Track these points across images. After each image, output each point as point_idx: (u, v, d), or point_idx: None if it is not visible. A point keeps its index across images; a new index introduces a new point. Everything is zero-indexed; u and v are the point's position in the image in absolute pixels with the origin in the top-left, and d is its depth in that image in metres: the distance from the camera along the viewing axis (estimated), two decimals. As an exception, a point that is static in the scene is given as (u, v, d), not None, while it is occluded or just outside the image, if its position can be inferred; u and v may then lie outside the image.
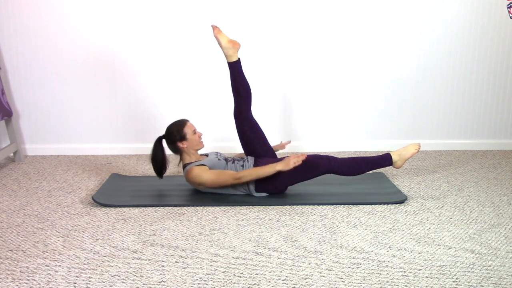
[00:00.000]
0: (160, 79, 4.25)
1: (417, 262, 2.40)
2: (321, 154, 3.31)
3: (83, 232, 2.74)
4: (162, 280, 2.23)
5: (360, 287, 2.19)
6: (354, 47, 4.28)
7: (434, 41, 4.29)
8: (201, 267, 2.35)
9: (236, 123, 3.35)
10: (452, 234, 2.72)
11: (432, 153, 4.36)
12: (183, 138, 3.23)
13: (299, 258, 2.43)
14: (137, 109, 4.29)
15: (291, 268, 2.34)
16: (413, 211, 3.04)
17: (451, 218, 2.93)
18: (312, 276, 2.27)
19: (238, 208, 3.07)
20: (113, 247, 2.55)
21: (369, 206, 3.10)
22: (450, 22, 4.26)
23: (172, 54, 4.21)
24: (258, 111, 4.15)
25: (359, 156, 3.32)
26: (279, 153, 4.08)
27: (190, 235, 2.69)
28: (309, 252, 2.50)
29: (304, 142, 4.40)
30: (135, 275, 2.28)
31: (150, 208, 3.06)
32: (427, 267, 2.35)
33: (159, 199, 3.23)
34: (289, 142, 3.68)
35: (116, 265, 2.37)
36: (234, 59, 3.29)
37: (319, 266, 2.36)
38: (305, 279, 2.24)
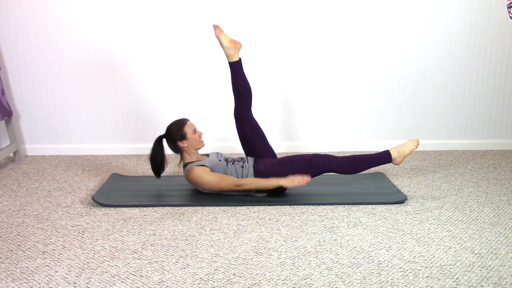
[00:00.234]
0: (160, 79, 4.25)
1: (417, 262, 2.40)
2: (321, 153, 3.31)
3: (83, 232, 2.73)
4: (162, 280, 2.23)
5: (360, 287, 2.19)
6: (354, 47, 4.28)
7: (434, 41, 4.29)
8: (201, 267, 2.35)
9: (236, 123, 3.35)
10: (452, 234, 2.72)
11: (432, 153, 4.36)
12: (183, 137, 3.23)
13: (299, 258, 2.43)
14: (137, 109, 4.29)
15: (291, 268, 2.34)
16: (413, 211, 3.04)
17: (451, 218, 2.93)
18: (312, 276, 2.27)
19: (238, 208, 3.07)
20: (113, 247, 2.55)
21: (369, 206, 3.10)
22: (450, 22, 4.26)
23: (172, 54, 4.21)
24: (259, 111, 4.15)
25: (359, 154, 3.32)
26: (280, 153, 4.08)
27: (190, 235, 2.69)
28: (309, 252, 2.50)
29: (304, 142, 4.40)
30: (135, 275, 2.28)
31: (150, 208, 3.06)
32: (427, 267, 2.35)
33: (159, 199, 3.23)
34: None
35: (116, 265, 2.37)
36: (235, 59, 3.29)
37: (319, 266, 2.36)
38: (305, 279, 2.24)
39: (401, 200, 3.16)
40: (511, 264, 2.39)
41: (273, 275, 2.28)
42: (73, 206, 3.12)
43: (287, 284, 2.20)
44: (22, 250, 2.52)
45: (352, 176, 3.64)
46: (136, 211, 3.03)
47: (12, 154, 4.15)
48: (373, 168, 3.83)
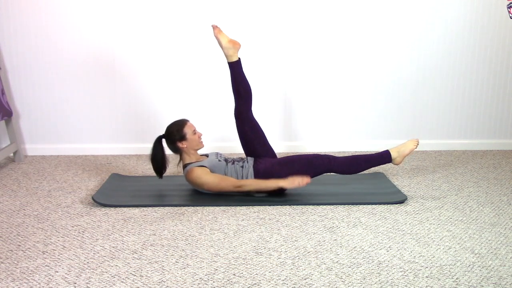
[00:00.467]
0: (160, 79, 4.25)
1: (417, 262, 2.40)
2: (321, 153, 3.31)
3: (83, 232, 2.73)
4: (162, 280, 2.23)
5: (360, 287, 2.19)
6: (354, 47, 4.28)
7: (434, 41, 4.29)
8: (201, 267, 2.35)
9: (236, 123, 3.35)
10: (452, 234, 2.72)
11: (432, 153, 4.36)
12: (183, 138, 3.23)
13: (299, 258, 2.43)
14: (137, 109, 4.29)
15: (291, 268, 2.34)
16: (413, 211, 3.04)
17: (451, 218, 2.93)
18: (312, 276, 2.27)
19: (238, 208, 3.07)
20: (113, 247, 2.55)
21: (369, 206, 3.10)
22: (450, 22, 4.26)
23: (172, 54, 4.21)
24: (259, 111, 4.14)
25: (359, 154, 3.32)
26: (280, 153, 4.08)
27: (190, 235, 2.69)
28: (309, 252, 2.50)
29: (305, 142, 4.40)
30: (135, 275, 2.28)
31: (150, 208, 3.06)
32: (427, 267, 2.35)
33: (159, 199, 3.23)
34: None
35: (116, 265, 2.37)
36: (235, 59, 3.29)
37: (319, 266, 2.36)
38: (305, 279, 2.24)
39: (401, 200, 3.16)
40: (511, 264, 2.39)
41: (273, 275, 2.28)
42: (73, 206, 3.11)
43: (287, 284, 2.20)
44: (22, 250, 2.52)
45: (352, 176, 3.64)
46: (136, 211, 3.03)
47: (12, 154, 4.15)
48: (373, 168, 3.83)
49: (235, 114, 3.35)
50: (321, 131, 4.42)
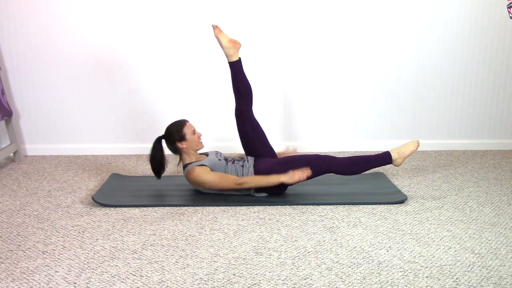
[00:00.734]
0: (160, 79, 4.25)
1: (417, 262, 2.40)
2: (321, 154, 3.31)
3: (83, 232, 2.74)
4: (162, 280, 2.23)
5: (360, 287, 2.19)
6: (354, 47, 4.28)
7: (434, 41, 4.29)
8: (201, 267, 2.35)
9: (237, 122, 3.35)
10: (452, 234, 2.72)
11: (432, 153, 4.36)
12: (182, 138, 3.23)
13: (299, 258, 2.43)
14: (137, 109, 4.29)
15: (291, 268, 2.34)
16: (413, 211, 3.04)
17: (451, 218, 2.93)
18: (312, 276, 2.27)
19: (238, 208, 3.07)
20: (113, 247, 2.55)
21: (369, 206, 3.10)
22: (450, 22, 4.26)
23: (172, 54, 4.21)
24: (259, 111, 4.14)
25: (359, 155, 3.32)
26: (280, 153, 4.08)
27: (190, 235, 2.69)
28: (309, 252, 2.50)
29: (305, 142, 4.40)
30: (135, 275, 2.28)
31: (150, 208, 3.06)
32: (427, 267, 2.35)
33: (159, 199, 3.23)
34: (295, 151, 3.66)
35: (116, 265, 2.37)
36: (235, 58, 3.29)
37: (319, 266, 2.36)
38: (305, 279, 2.24)
39: (401, 200, 3.16)
40: (511, 264, 2.39)
41: (273, 275, 2.28)
42: (73, 206, 3.12)
43: (287, 284, 2.20)
44: (22, 250, 2.52)
45: (352, 176, 3.63)
46: (136, 211, 3.03)
47: (12, 154, 4.15)
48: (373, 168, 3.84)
49: (235, 113, 3.35)
50: (321, 131, 4.42)
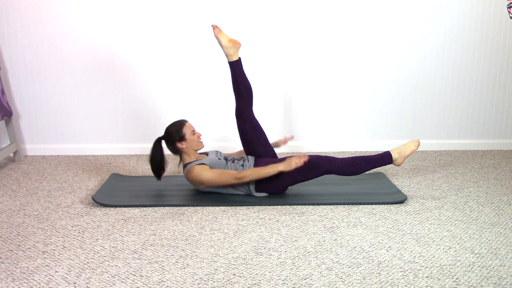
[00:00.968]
0: (160, 79, 4.25)
1: (417, 262, 2.40)
2: (322, 154, 3.30)
3: (83, 232, 2.74)
4: (162, 280, 2.23)
5: (360, 287, 2.19)
6: (355, 47, 4.28)
7: (434, 41, 4.28)
8: (201, 267, 2.35)
9: (237, 122, 3.35)
10: (452, 234, 2.72)
11: (432, 153, 4.36)
12: (182, 138, 3.23)
13: (299, 258, 2.43)
14: (137, 109, 4.29)
15: (291, 268, 2.34)
16: (413, 211, 3.04)
17: (451, 218, 2.93)
18: (312, 276, 2.27)
19: (238, 208, 3.07)
20: (113, 247, 2.55)
21: (369, 206, 3.10)
22: (450, 22, 4.26)
23: (172, 54, 4.21)
24: (259, 111, 4.15)
25: (359, 156, 3.32)
26: (280, 153, 4.08)
27: (190, 235, 2.69)
28: (309, 252, 2.50)
29: (305, 142, 4.40)
30: (135, 275, 2.28)
31: (150, 208, 3.06)
32: (427, 267, 2.35)
33: (159, 199, 3.23)
34: (293, 137, 3.65)
35: (116, 265, 2.37)
36: (235, 58, 3.29)
37: (319, 266, 2.36)
38: (305, 279, 2.24)
39: (401, 200, 3.16)
40: (511, 264, 2.39)
41: (273, 275, 2.28)
42: (73, 206, 3.12)
43: (287, 284, 2.20)
44: (22, 250, 2.52)
45: (352, 176, 3.64)
46: (136, 211, 3.03)
47: (12, 154, 4.15)
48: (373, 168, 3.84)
49: (236, 113, 3.35)
50: (321, 131, 4.42)
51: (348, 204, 3.13)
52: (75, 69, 4.20)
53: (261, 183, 3.19)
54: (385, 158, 3.32)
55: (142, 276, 2.27)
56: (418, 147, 3.37)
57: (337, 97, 4.36)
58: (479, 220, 2.90)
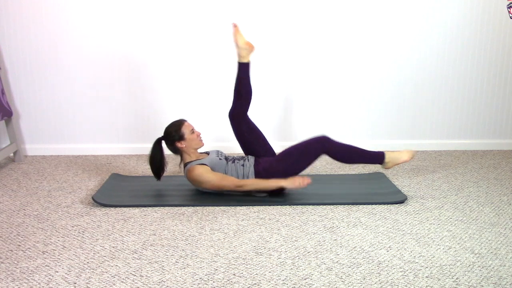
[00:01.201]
0: (160, 79, 4.25)
1: (417, 262, 2.40)
2: (315, 137, 3.26)
3: (83, 232, 2.74)
4: (162, 280, 2.23)
5: (360, 287, 2.19)
6: (354, 47, 4.28)
7: (434, 41, 4.28)
8: (201, 267, 2.35)
9: (232, 124, 3.36)
10: (452, 234, 2.72)
11: (432, 153, 4.36)
12: (181, 138, 3.23)
13: (299, 258, 2.43)
14: (137, 109, 4.29)
15: (291, 268, 2.34)
16: (413, 211, 3.04)
17: (451, 218, 2.93)
18: (312, 276, 2.27)
19: (238, 208, 3.07)
20: (113, 247, 2.55)
21: (369, 206, 3.10)
22: (450, 22, 4.26)
23: (172, 54, 4.21)
24: (258, 111, 4.16)
25: (356, 146, 3.31)
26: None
27: (190, 235, 2.69)
28: (309, 252, 2.50)
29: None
30: (135, 275, 2.28)
31: (150, 208, 3.07)
32: (427, 267, 2.35)
33: (159, 199, 3.23)
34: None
35: (116, 265, 2.37)
36: (246, 60, 3.32)
37: (319, 266, 2.36)
38: (305, 279, 2.24)
39: (401, 200, 3.16)
40: (511, 264, 2.39)
41: (273, 275, 2.28)
42: (73, 206, 3.12)
43: (287, 284, 2.20)
44: (22, 250, 2.52)
45: (352, 176, 3.65)
46: (136, 211, 3.03)
47: (12, 154, 4.15)
48: (373, 168, 3.84)
49: (229, 115, 3.36)
50: (321, 131, 4.41)
51: (348, 204, 3.13)
52: (75, 69, 4.20)
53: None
54: (378, 158, 3.32)
55: (142, 276, 2.27)
56: (411, 158, 3.38)
57: (337, 97, 4.35)
58: (479, 220, 2.90)
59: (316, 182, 3.44)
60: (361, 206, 3.11)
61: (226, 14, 4.14)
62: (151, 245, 2.58)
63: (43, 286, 2.19)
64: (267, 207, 3.08)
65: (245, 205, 3.10)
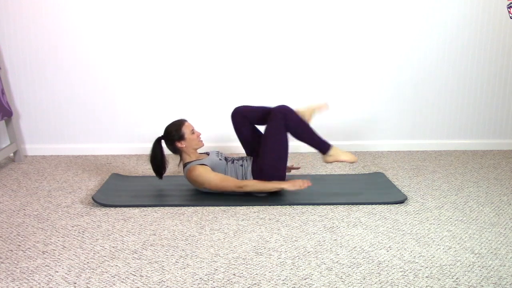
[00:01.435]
0: (160, 79, 4.25)
1: (417, 262, 2.40)
2: (276, 109, 3.21)
3: (83, 232, 2.74)
4: (162, 280, 2.23)
5: (360, 287, 2.19)
6: (354, 47, 4.28)
7: (434, 41, 4.28)
8: (201, 267, 2.35)
9: (233, 122, 3.35)
10: (452, 234, 2.72)
11: (432, 153, 4.36)
12: (181, 137, 3.23)
13: (299, 258, 2.43)
14: (137, 109, 4.29)
15: (291, 268, 2.34)
16: (413, 211, 3.04)
17: (451, 218, 2.93)
18: (312, 276, 2.27)
19: (238, 208, 3.07)
20: (113, 247, 2.55)
21: (369, 206, 3.10)
22: (450, 22, 4.26)
23: (172, 54, 4.22)
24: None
25: (310, 127, 3.25)
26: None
27: (190, 235, 2.69)
28: (309, 252, 2.50)
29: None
30: (135, 275, 2.28)
31: (150, 208, 3.06)
32: (427, 267, 2.35)
33: (159, 199, 3.23)
34: (299, 167, 3.63)
35: (116, 265, 2.37)
36: (304, 116, 3.29)
37: (319, 266, 2.36)
38: (305, 279, 2.24)
39: (401, 200, 3.16)
40: (511, 264, 2.39)
41: (273, 275, 2.28)
42: (73, 206, 3.12)
43: (287, 284, 2.20)
44: (22, 250, 2.52)
45: (352, 176, 3.65)
46: (136, 211, 3.03)
47: (12, 154, 4.15)
48: (373, 168, 3.85)
49: (233, 114, 3.33)
50: (321, 132, 4.40)
51: (348, 204, 3.13)
52: (75, 69, 4.20)
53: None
54: (323, 146, 3.24)
55: (142, 276, 2.27)
56: (352, 163, 3.32)
57: (336, 97, 4.35)
58: (479, 220, 2.90)
59: (316, 182, 3.44)
60: (361, 206, 3.11)
61: (226, 14, 4.14)
62: (151, 245, 2.58)
63: (43, 286, 2.19)
64: (267, 207, 3.09)
65: (245, 205, 3.10)
